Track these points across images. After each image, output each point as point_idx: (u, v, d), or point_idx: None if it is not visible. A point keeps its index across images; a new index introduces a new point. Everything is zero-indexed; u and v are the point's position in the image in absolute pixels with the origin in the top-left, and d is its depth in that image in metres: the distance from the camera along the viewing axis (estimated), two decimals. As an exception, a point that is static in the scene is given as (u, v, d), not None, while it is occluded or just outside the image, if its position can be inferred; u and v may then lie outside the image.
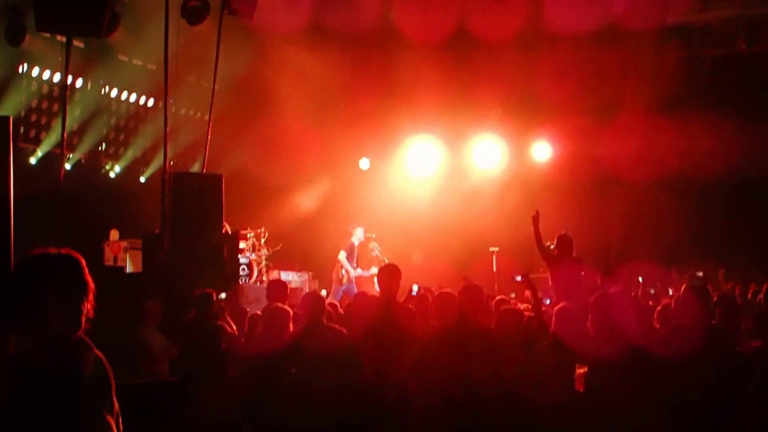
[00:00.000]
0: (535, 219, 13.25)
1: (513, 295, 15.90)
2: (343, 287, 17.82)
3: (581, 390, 7.85)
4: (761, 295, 8.22)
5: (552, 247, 13.24)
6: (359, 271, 18.26)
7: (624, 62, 21.65)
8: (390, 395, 7.91)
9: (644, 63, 21.49)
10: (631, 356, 7.00)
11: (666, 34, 21.47)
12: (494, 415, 7.41)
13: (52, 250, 4.02)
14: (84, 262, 4.03)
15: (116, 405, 4.04)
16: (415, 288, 13.47)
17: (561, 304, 8.56)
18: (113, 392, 4.03)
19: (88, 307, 3.95)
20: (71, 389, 3.82)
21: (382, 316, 8.48)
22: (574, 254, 12.89)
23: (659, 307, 9.43)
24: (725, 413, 6.76)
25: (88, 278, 4.00)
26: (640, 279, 17.56)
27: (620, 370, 7.03)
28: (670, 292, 16.60)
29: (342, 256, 18.23)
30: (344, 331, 8.76)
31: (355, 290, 17.07)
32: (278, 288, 10.68)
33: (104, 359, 4.02)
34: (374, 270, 17.36)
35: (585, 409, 7.31)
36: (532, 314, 9.15)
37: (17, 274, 4.02)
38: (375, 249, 18.96)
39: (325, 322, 8.80)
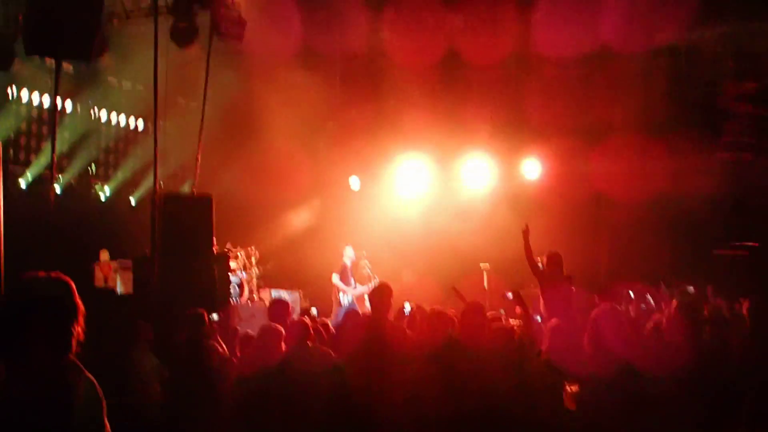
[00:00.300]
0: (526, 233, 13.26)
1: (503, 312, 15.88)
2: (344, 309, 17.77)
3: (572, 408, 7.84)
4: (744, 312, 8.24)
5: (541, 264, 13.22)
6: (359, 288, 18.23)
7: (613, 82, 21.70)
8: (380, 414, 7.90)
9: (633, 83, 21.54)
10: (622, 373, 7.00)
11: (654, 53, 21.53)
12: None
13: (42, 274, 4.02)
14: (74, 286, 4.03)
15: (108, 427, 4.04)
16: (407, 306, 13.45)
17: (553, 322, 8.57)
18: (104, 415, 4.02)
19: (78, 330, 3.95)
20: (62, 413, 3.81)
21: (372, 336, 8.48)
22: (564, 272, 12.88)
23: (650, 324, 9.44)
24: (715, 429, 6.78)
25: (78, 301, 4.00)
26: (631, 293, 17.58)
27: (611, 387, 7.02)
28: (651, 302, 16.63)
29: (335, 278, 18.23)
30: (331, 352, 8.76)
31: (357, 309, 17.05)
32: (280, 307, 10.60)
33: (95, 382, 4.01)
34: (374, 283, 17.35)
35: (576, 427, 7.31)
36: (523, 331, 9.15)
37: (7, 298, 4.03)
38: (366, 267, 18.96)
39: (310, 343, 8.79)
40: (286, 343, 8.69)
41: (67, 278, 4.06)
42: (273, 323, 9.13)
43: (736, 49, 20.94)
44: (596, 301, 12.25)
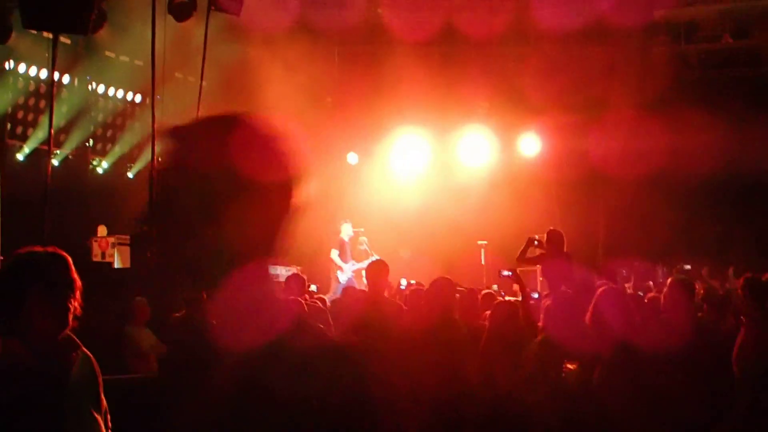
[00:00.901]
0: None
1: (495, 287, 15.87)
2: (342, 285, 17.75)
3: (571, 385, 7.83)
4: (739, 290, 8.27)
5: (536, 242, 13.26)
6: (356, 264, 18.21)
7: (611, 58, 21.67)
8: (376, 391, 7.90)
9: (631, 59, 21.51)
10: (620, 351, 7.00)
11: (652, 29, 21.49)
12: (484, 412, 7.43)
13: (39, 249, 4.02)
14: (71, 260, 4.02)
15: (104, 403, 4.05)
16: (403, 282, 13.44)
17: (550, 299, 8.58)
18: (101, 390, 4.03)
19: (75, 305, 3.95)
20: (59, 388, 3.82)
21: (368, 312, 8.50)
22: (564, 249, 12.89)
23: (646, 301, 9.49)
24: (712, 405, 6.80)
25: (75, 276, 4.00)
26: (624, 272, 17.60)
27: (609, 365, 7.02)
28: (651, 285, 16.66)
29: (334, 254, 18.22)
30: (326, 330, 8.76)
31: (356, 285, 17.01)
32: (296, 282, 10.54)
33: (92, 357, 4.02)
34: (373, 259, 17.36)
35: (575, 405, 7.31)
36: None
37: (4, 273, 4.02)
38: (363, 243, 18.96)
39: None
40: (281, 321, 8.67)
41: (64, 253, 4.05)
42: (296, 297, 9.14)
43: (734, 25, 20.91)
44: (595, 280, 12.26)
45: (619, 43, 21.45)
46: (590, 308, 7.30)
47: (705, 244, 21.02)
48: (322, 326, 2.43)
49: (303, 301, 9.46)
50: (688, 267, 18.69)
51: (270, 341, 1.97)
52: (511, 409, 7.42)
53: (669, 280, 8.02)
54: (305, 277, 11.35)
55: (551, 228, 13.27)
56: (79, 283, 4.00)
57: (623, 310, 7.12)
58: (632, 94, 20.93)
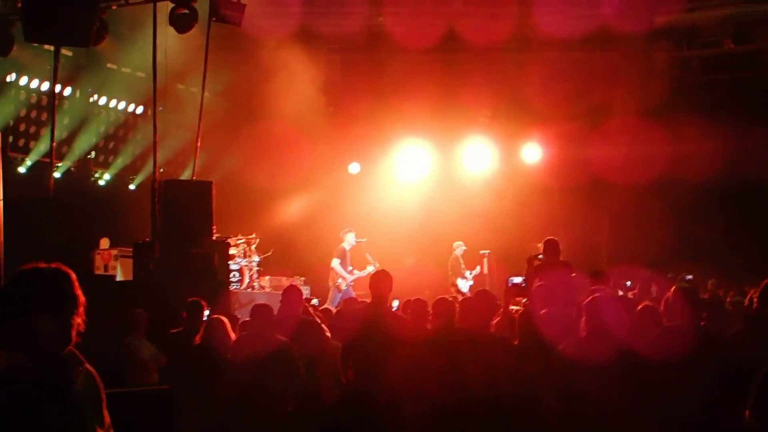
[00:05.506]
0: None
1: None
2: (341, 294, 17.73)
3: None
4: (755, 297, 8.23)
5: (540, 255, 13.21)
6: (356, 273, 18.19)
7: (613, 64, 21.66)
8: (380, 400, 7.92)
9: (633, 65, 21.51)
10: (621, 358, 6.98)
11: (654, 35, 21.48)
12: (485, 420, 7.42)
13: (42, 265, 4.01)
14: (74, 276, 4.01)
15: (107, 418, 4.04)
16: (395, 303, 13.38)
17: (545, 309, 8.58)
18: (104, 406, 4.02)
19: (78, 321, 3.94)
20: (61, 405, 3.81)
21: (372, 322, 8.49)
22: (561, 258, 12.83)
23: (648, 309, 9.43)
24: (715, 413, 6.79)
25: (79, 292, 3.99)
26: (628, 283, 17.53)
27: (610, 373, 7.01)
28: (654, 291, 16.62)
29: (335, 263, 18.16)
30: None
31: (353, 294, 16.98)
32: (293, 293, 10.45)
33: (95, 373, 4.01)
34: (370, 269, 17.34)
35: (575, 413, 7.30)
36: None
37: (7, 289, 4.02)
38: (366, 254, 18.90)
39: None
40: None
41: (68, 269, 4.05)
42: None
43: (736, 30, 20.88)
44: (591, 286, 12.22)
45: (621, 49, 21.45)
46: (584, 315, 7.29)
47: (707, 250, 20.99)
48: None
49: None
50: (690, 277, 18.60)
51: None
52: (513, 413, 7.43)
53: (672, 288, 8.00)
54: (302, 289, 11.36)
55: (548, 237, 13.23)
56: (82, 299, 3.99)
57: (616, 316, 7.12)
58: (634, 100, 20.91)
